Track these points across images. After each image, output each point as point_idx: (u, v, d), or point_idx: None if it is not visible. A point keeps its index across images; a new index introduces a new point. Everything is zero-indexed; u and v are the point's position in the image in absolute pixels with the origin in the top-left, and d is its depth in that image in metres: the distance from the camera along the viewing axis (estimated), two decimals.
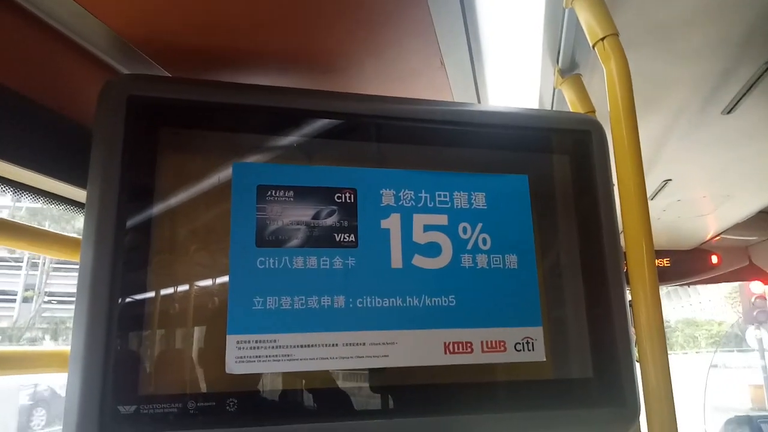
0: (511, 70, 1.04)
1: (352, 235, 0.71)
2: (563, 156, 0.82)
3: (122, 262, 0.64)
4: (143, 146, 0.68)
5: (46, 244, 0.74)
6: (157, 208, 0.68)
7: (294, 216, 0.70)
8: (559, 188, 0.81)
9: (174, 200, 0.69)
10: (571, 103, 1.03)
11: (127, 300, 0.64)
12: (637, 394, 0.74)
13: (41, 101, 0.70)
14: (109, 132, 0.67)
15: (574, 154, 0.82)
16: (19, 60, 0.68)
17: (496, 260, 0.74)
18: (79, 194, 0.78)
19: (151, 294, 0.65)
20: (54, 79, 0.73)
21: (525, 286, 0.75)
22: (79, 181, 0.74)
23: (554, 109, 1.17)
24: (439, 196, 0.75)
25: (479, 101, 1.07)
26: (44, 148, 0.70)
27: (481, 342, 0.71)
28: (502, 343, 0.72)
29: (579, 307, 0.77)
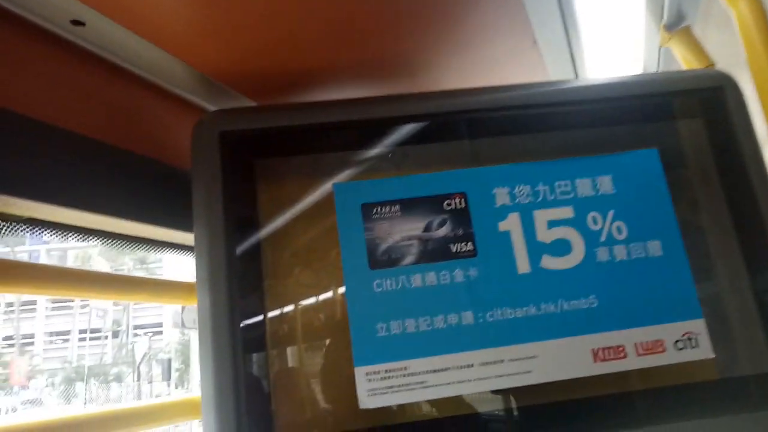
0: (609, 35, 0.94)
1: (470, 243, 0.65)
2: (694, 120, 0.71)
3: (239, 302, 0.62)
4: (242, 180, 0.66)
5: (159, 292, 0.73)
6: (265, 243, 0.65)
7: (404, 231, 0.65)
8: (695, 157, 0.71)
9: (280, 231, 0.66)
10: (684, 60, 0.91)
11: (251, 341, 0.62)
12: None
13: (140, 152, 0.70)
14: (206, 171, 0.65)
15: (707, 116, 0.71)
16: (110, 112, 0.68)
17: (637, 249, 0.65)
18: (187, 238, 0.77)
19: (273, 333, 0.63)
20: (148, 127, 0.73)
21: (676, 274, 0.65)
22: (185, 226, 0.73)
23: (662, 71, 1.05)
24: (560, 186, 0.67)
25: (577, 77, 0.98)
26: (148, 197, 0.70)
27: (635, 344, 0.63)
28: (659, 343, 0.63)
29: (743, 291, 0.66)
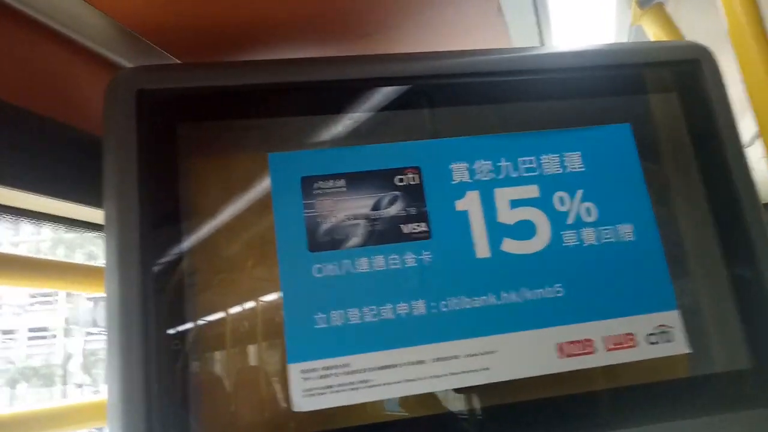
0: (578, 9, 0.88)
1: (423, 224, 0.57)
2: (669, 94, 0.66)
3: (153, 290, 0.53)
4: (161, 148, 0.57)
5: (68, 278, 0.63)
6: (187, 220, 0.56)
7: (349, 209, 0.57)
8: (669, 135, 0.65)
9: (205, 208, 0.57)
10: (656, 39, 0.86)
11: (165, 335, 0.53)
12: None
13: (45, 113, 0.60)
14: (119, 136, 0.56)
15: (682, 90, 0.65)
16: (14, 67, 0.57)
17: (607, 233, 0.59)
18: (99, 215, 0.67)
19: (191, 325, 0.54)
20: (57, 85, 0.62)
21: (648, 261, 0.59)
22: (96, 201, 0.64)
23: None
24: (524, 162, 0.60)
25: None
26: (54, 167, 0.60)
27: (604, 338, 0.56)
28: (630, 337, 0.56)
29: (718, 280, 0.61)
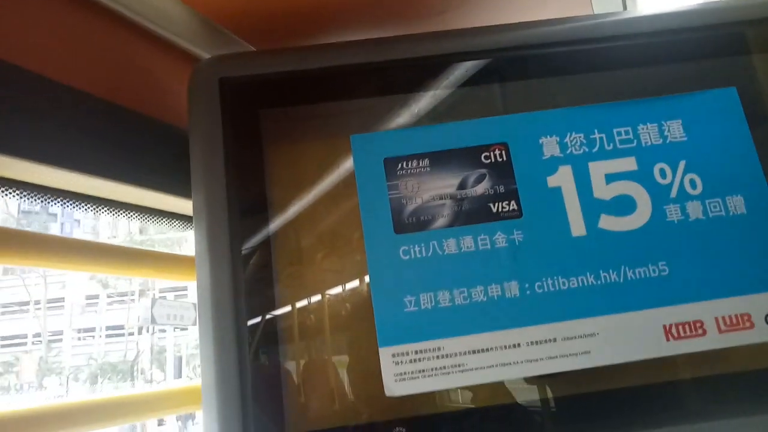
0: None
1: (513, 202, 0.54)
2: None
3: (244, 278, 0.53)
4: (246, 134, 0.57)
5: (158, 266, 0.65)
6: (273, 206, 0.56)
7: (435, 189, 0.55)
8: None
9: (290, 194, 0.57)
10: None
11: (257, 321, 0.53)
12: None
13: (131, 106, 0.62)
14: (205, 124, 0.56)
15: None
16: (96, 59, 0.59)
17: (715, 206, 0.54)
18: (186, 206, 0.69)
19: (284, 311, 0.54)
20: (139, 78, 0.64)
21: (763, 234, 0.54)
22: (183, 192, 0.65)
23: None
24: (619, 134, 0.56)
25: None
26: (140, 157, 0.62)
27: (716, 319, 0.52)
28: (746, 317, 0.52)
29: None
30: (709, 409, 0.52)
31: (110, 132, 0.59)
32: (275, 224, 0.56)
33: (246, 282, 0.54)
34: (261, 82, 0.58)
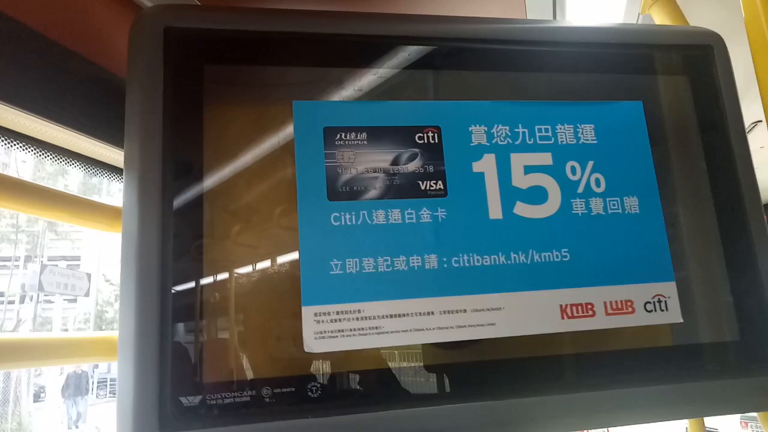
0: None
1: (440, 182, 0.59)
2: (680, 77, 0.68)
3: (173, 231, 0.54)
4: (187, 89, 0.57)
5: (80, 213, 0.63)
6: (208, 163, 0.56)
7: (370, 162, 0.58)
8: (678, 117, 0.67)
9: (227, 152, 0.57)
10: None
11: (183, 274, 0.53)
12: None
13: (71, 46, 0.60)
14: (145, 73, 0.56)
15: (694, 75, 0.68)
16: None
17: (614, 204, 0.61)
18: (117, 157, 0.67)
19: (208, 266, 0.54)
20: (79, 17, 0.62)
21: (650, 234, 0.62)
22: (115, 140, 0.64)
23: None
24: (540, 130, 0.62)
25: None
26: (74, 99, 0.60)
27: (605, 303, 0.59)
28: (629, 303, 0.59)
29: (715, 257, 0.64)
30: (593, 380, 0.58)
31: (40, 66, 0.57)
32: (209, 182, 0.56)
33: (174, 238, 0.54)
34: (208, 36, 0.58)
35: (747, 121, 0.73)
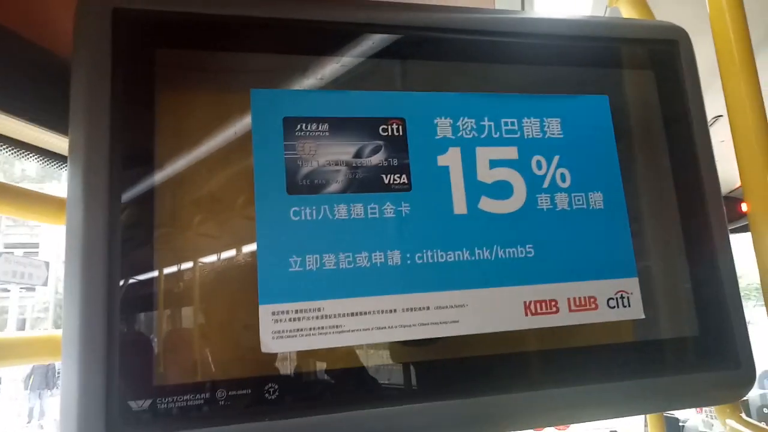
0: None
1: (404, 176, 0.57)
2: (646, 72, 0.68)
3: (120, 223, 0.51)
4: (137, 73, 0.54)
5: (23, 204, 0.59)
6: (160, 153, 0.53)
7: (331, 154, 0.56)
8: (643, 111, 0.67)
9: (180, 142, 0.54)
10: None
11: (131, 270, 0.51)
12: (752, 354, 0.62)
13: (11, 26, 0.55)
14: (92, 56, 0.52)
15: (659, 70, 0.68)
16: None
17: (579, 200, 0.61)
18: (62, 145, 0.63)
19: (160, 260, 0.52)
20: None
21: (614, 230, 0.61)
22: (59, 127, 0.60)
23: None
24: (506, 124, 0.61)
25: None
26: (13, 82, 0.56)
27: (568, 299, 0.58)
28: (592, 300, 0.59)
29: (676, 253, 0.64)
30: (557, 377, 0.58)
31: None
32: (160, 174, 0.53)
33: (122, 231, 0.51)
34: (161, 19, 0.55)
35: (708, 116, 0.74)
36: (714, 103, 1.37)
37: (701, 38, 0.76)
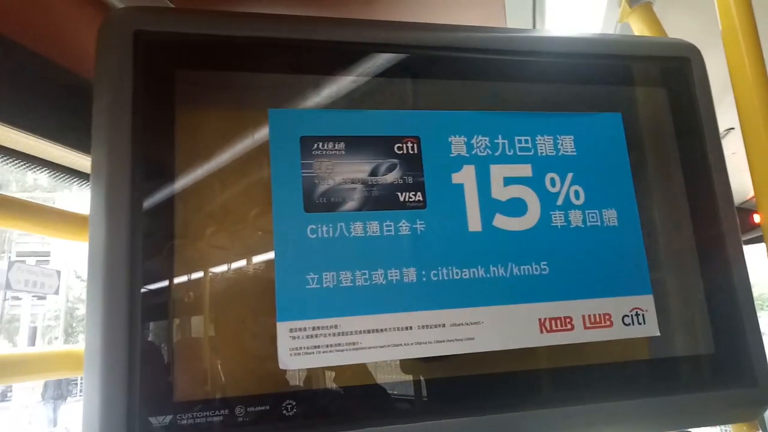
0: (572, 2, 0.90)
1: (419, 194, 0.58)
2: (659, 89, 0.68)
3: (142, 241, 0.52)
4: (158, 94, 0.55)
5: (45, 222, 0.60)
6: (180, 172, 0.54)
7: (347, 173, 0.57)
8: (656, 128, 0.68)
9: (199, 161, 0.55)
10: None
11: (152, 287, 0.51)
12: None
13: (35, 48, 0.57)
14: (114, 77, 0.53)
15: (672, 87, 0.68)
16: None
17: (593, 217, 0.61)
18: (84, 163, 0.65)
19: (181, 278, 0.53)
20: (47, 20, 0.59)
21: (629, 247, 0.61)
22: (82, 146, 0.61)
23: None
24: (520, 141, 0.61)
25: None
26: (41, 105, 0.57)
27: (583, 316, 0.58)
28: (607, 317, 0.59)
29: (691, 269, 0.64)
30: (571, 394, 0.58)
31: (2, 69, 0.54)
32: (180, 192, 0.54)
33: (143, 248, 0.52)
34: (180, 40, 0.56)
35: (720, 128, 0.74)
36: (725, 115, 1.37)
37: (713, 52, 0.76)
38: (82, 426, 0.48)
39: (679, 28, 0.90)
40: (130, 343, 0.49)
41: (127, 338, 0.49)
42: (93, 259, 0.51)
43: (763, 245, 0.68)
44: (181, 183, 0.54)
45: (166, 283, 0.52)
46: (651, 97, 0.68)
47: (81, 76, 0.61)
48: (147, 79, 0.54)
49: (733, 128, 1.37)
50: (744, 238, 0.67)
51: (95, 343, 0.49)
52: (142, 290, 0.51)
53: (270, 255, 0.54)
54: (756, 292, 0.66)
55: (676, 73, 0.68)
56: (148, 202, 0.53)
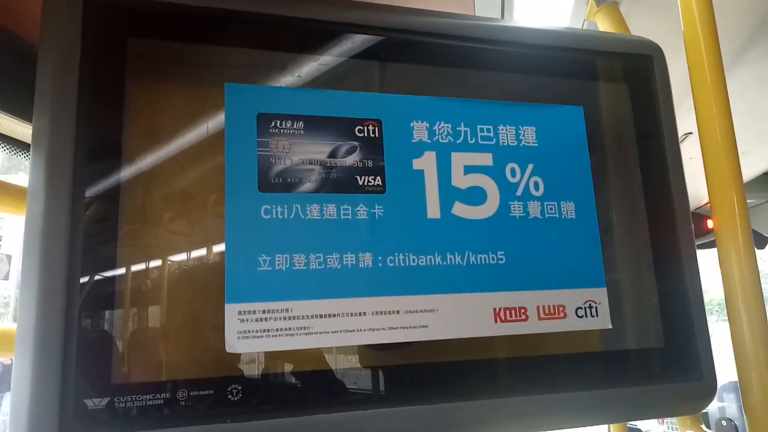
0: (538, 3, 0.90)
1: (379, 178, 0.56)
2: (621, 85, 0.69)
3: (83, 215, 0.49)
4: (108, 62, 0.52)
5: None
6: (128, 144, 0.52)
7: (306, 153, 0.55)
8: (616, 124, 0.68)
9: (149, 133, 0.53)
10: None
11: (93, 264, 0.49)
12: (714, 366, 0.63)
13: None
14: (60, 43, 0.50)
15: (633, 84, 0.69)
16: None
17: (551, 208, 0.61)
18: (25, 132, 0.61)
19: (123, 255, 0.50)
20: None
21: (585, 240, 0.62)
22: (23, 114, 0.58)
23: None
24: (482, 130, 0.61)
25: None
26: None
27: (537, 307, 0.58)
28: (561, 308, 0.59)
29: (644, 264, 0.65)
30: (523, 385, 0.58)
31: None
32: (128, 167, 0.51)
33: (85, 224, 0.49)
34: (134, 6, 0.53)
35: (679, 133, 0.75)
36: (684, 120, 1.40)
37: (675, 56, 0.77)
38: (11, 407, 0.46)
39: (644, 30, 0.91)
40: (66, 322, 0.47)
41: (63, 317, 0.47)
42: (30, 233, 0.48)
43: (714, 251, 0.70)
44: (129, 158, 0.52)
45: (108, 262, 0.50)
46: (613, 92, 0.68)
47: (26, 39, 0.58)
48: (96, 46, 0.51)
49: (691, 133, 1.41)
50: (697, 242, 0.69)
51: (29, 321, 0.46)
52: (81, 268, 0.48)
53: (220, 234, 0.52)
54: (706, 297, 0.67)
55: (638, 70, 0.69)
56: (92, 176, 0.50)
